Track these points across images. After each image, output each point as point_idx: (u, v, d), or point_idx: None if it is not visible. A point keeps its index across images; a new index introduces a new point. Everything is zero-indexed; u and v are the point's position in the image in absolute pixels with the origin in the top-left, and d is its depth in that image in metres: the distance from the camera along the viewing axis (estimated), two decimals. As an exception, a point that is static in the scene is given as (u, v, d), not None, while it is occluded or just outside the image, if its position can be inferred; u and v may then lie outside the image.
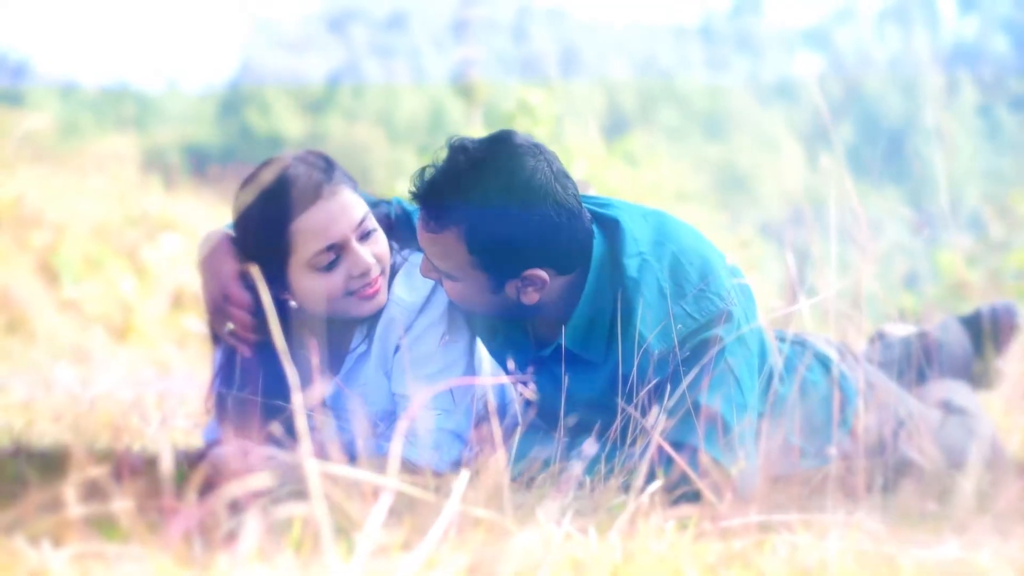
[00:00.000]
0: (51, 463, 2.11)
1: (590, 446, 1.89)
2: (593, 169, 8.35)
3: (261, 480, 1.17)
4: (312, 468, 1.17)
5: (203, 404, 2.22)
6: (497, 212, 1.93)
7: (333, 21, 44.80)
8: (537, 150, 1.98)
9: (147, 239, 7.36)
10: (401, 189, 9.01)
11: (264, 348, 2.11)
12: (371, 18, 45.77)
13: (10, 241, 6.79)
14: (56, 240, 6.99)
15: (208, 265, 2.15)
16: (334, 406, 2.22)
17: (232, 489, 1.16)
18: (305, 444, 1.20)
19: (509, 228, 1.94)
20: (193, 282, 2.00)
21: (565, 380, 2.03)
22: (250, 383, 2.11)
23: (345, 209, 2.08)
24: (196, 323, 6.20)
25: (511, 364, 2.05)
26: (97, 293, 6.76)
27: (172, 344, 6.04)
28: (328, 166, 2.10)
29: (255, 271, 1.63)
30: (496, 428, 1.61)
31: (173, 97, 30.14)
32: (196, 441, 2.57)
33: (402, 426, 1.31)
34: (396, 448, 1.27)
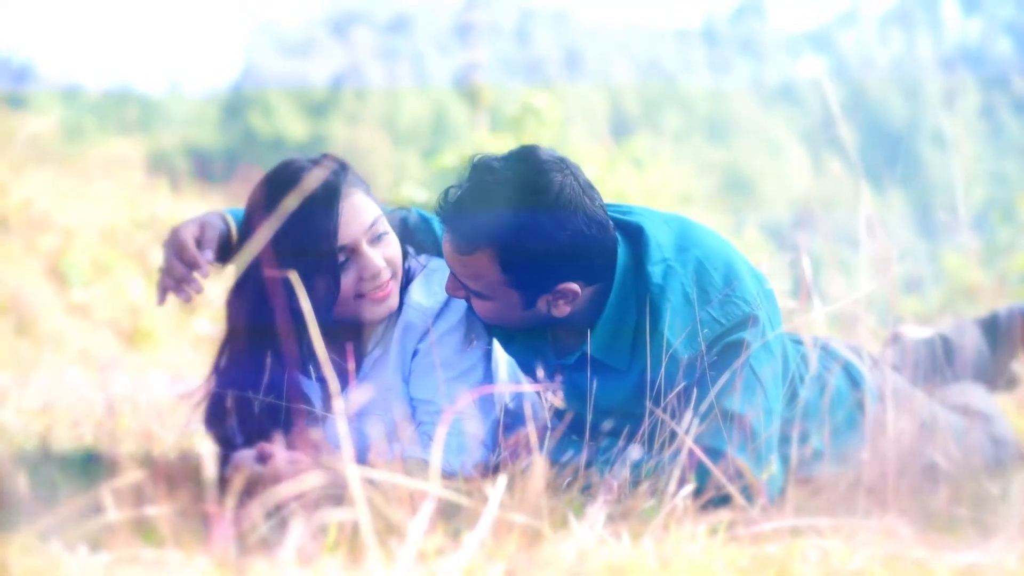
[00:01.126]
0: (75, 467, 2.11)
1: (636, 451, 1.88)
2: (600, 173, 8.36)
3: (309, 484, 1.17)
4: (354, 473, 1.17)
5: (193, 407, 2.19)
6: (529, 230, 1.92)
7: (336, 24, 44.80)
8: (563, 164, 1.97)
9: (155, 242, 7.34)
10: (405, 192, 9.02)
11: (270, 352, 2.11)
12: (374, 21, 45.78)
13: (19, 245, 6.79)
14: (65, 244, 6.98)
15: (190, 227, 2.19)
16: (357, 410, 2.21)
17: (279, 493, 1.16)
18: (347, 449, 1.20)
19: (542, 245, 1.93)
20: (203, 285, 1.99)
21: (592, 387, 2.02)
22: (252, 387, 2.11)
23: (356, 212, 2.08)
24: (207, 326, 6.19)
25: (540, 372, 2.04)
26: (106, 297, 6.75)
27: (183, 347, 6.03)
28: (341, 169, 2.11)
29: (294, 277, 1.62)
30: (532, 433, 1.60)
31: (176, 100, 30.14)
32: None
33: (441, 432, 1.30)
34: (437, 454, 1.27)
